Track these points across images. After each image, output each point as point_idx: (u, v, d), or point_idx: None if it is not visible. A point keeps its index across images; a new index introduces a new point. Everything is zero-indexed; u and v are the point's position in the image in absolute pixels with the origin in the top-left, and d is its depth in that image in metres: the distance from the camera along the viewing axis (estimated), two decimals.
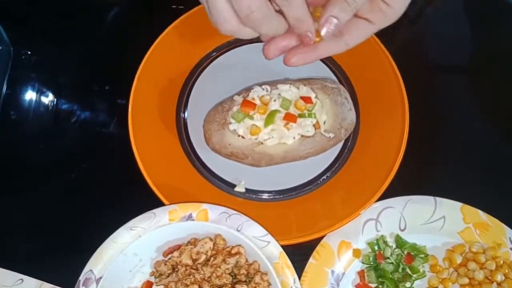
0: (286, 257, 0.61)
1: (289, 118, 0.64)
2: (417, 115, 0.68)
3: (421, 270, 0.64)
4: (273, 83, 0.68)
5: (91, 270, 0.61)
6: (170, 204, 0.64)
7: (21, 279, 0.65)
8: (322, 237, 0.65)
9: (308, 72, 0.72)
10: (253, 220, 0.63)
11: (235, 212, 0.63)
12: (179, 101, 0.73)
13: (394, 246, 0.65)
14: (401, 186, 0.67)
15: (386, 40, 0.71)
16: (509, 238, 0.64)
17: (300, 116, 0.65)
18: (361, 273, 0.64)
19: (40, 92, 0.77)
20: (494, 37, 0.80)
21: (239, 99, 0.67)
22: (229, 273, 0.61)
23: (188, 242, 0.63)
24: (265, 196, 0.68)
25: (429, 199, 0.66)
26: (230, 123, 0.66)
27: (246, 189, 0.68)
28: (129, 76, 0.70)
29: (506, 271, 0.63)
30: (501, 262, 0.63)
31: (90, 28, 0.81)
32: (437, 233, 0.65)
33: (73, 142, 0.74)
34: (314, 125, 0.65)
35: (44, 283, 0.64)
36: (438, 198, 0.66)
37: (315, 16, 0.51)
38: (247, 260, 0.62)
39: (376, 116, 0.70)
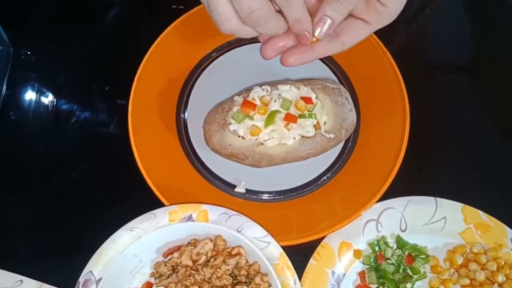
0: (287, 258, 0.61)
1: (290, 118, 0.64)
2: (417, 115, 0.68)
3: (422, 271, 0.64)
4: (273, 84, 0.68)
5: (90, 271, 0.61)
6: (170, 204, 0.64)
7: (21, 280, 0.64)
8: (322, 238, 0.64)
9: (309, 72, 0.71)
10: (253, 221, 0.63)
11: (235, 212, 0.63)
12: (179, 101, 0.73)
13: (395, 247, 0.65)
14: (401, 187, 0.67)
15: (386, 40, 0.71)
16: (510, 238, 0.64)
17: (301, 116, 0.65)
18: (361, 274, 0.64)
19: (40, 92, 0.77)
20: (494, 37, 0.80)
21: (239, 99, 0.67)
22: (229, 274, 0.61)
23: (188, 243, 0.63)
24: (265, 196, 0.68)
25: (430, 199, 0.66)
26: (230, 123, 0.66)
27: (246, 189, 0.68)
28: (129, 76, 0.70)
29: (507, 272, 0.63)
30: (502, 263, 0.63)
31: (90, 28, 0.81)
32: (438, 234, 0.65)
33: (73, 142, 0.74)
34: (314, 126, 0.65)
35: (44, 284, 0.64)
36: (438, 199, 0.66)
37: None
38: (247, 261, 0.62)
39: (376, 117, 0.70)
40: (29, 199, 0.71)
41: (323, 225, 0.64)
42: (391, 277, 0.63)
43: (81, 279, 0.61)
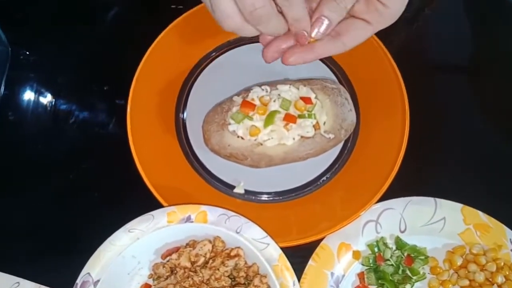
0: (286, 259, 0.61)
1: (289, 118, 0.64)
2: (417, 115, 0.68)
3: (421, 272, 0.64)
4: (272, 84, 0.67)
5: (88, 273, 0.61)
6: (169, 205, 0.64)
7: (18, 282, 0.64)
8: (321, 239, 0.64)
9: (308, 72, 0.71)
10: (252, 222, 0.62)
11: (234, 213, 0.63)
12: (178, 101, 0.73)
13: (394, 247, 0.65)
14: (401, 187, 0.66)
15: (386, 40, 0.70)
16: (510, 239, 0.64)
17: (300, 116, 0.65)
18: (361, 275, 0.64)
19: (38, 93, 0.76)
20: (494, 37, 0.80)
21: (238, 99, 0.66)
22: (228, 276, 0.61)
23: (187, 244, 0.63)
24: (264, 197, 0.68)
25: (429, 200, 0.66)
26: (230, 124, 0.65)
27: (246, 190, 0.68)
28: (128, 76, 0.70)
29: (507, 273, 0.62)
30: (502, 264, 0.63)
31: (89, 28, 0.81)
32: (437, 235, 0.65)
33: (71, 143, 0.74)
34: (314, 126, 0.65)
35: (41, 286, 0.64)
36: (438, 199, 0.66)
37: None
38: (246, 263, 0.62)
39: (376, 117, 0.70)
40: (27, 200, 0.70)
41: (322, 226, 0.64)
42: (390, 278, 0.63)
43: (79, 281, 0.60)
